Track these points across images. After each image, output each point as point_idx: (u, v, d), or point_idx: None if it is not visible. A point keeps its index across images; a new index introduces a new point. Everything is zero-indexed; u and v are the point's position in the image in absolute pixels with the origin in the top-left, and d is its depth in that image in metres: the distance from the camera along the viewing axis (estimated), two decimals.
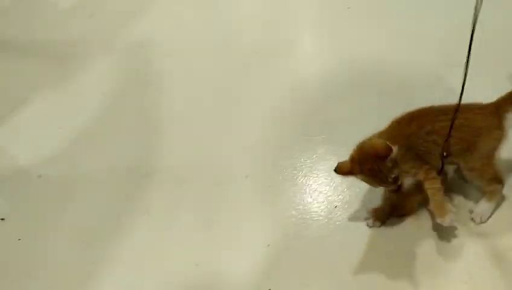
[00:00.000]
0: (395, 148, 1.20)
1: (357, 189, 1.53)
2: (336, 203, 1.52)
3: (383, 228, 1.43)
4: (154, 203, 1.67)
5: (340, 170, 1.27)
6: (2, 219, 1.73)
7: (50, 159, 1.88)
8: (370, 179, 1.28)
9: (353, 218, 1.48)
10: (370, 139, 1.29)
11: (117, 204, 1.71)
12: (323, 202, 1.54)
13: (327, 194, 1.56)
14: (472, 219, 1.39)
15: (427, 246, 1.37)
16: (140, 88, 2.07)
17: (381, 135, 1.31)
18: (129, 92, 2.06)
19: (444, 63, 1.74)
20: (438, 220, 1.28)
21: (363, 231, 1.44)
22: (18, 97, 2.13)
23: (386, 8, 2.08)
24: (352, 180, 1.47)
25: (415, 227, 1.42)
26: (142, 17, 2.37)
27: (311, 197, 1.56)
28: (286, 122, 1.78)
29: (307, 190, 1.58)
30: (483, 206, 1.38)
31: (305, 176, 1.61)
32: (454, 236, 1.37)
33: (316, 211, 1.52)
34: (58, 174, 1.84)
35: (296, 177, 1.61)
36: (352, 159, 1.27)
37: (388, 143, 1.21)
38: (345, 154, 1.30)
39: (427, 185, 1.30)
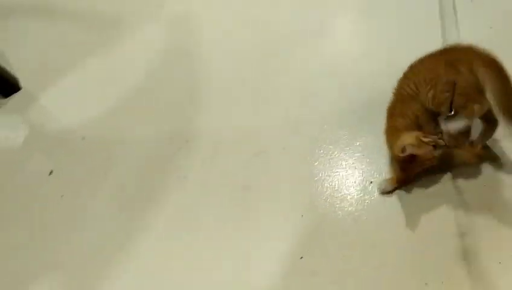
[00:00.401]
0: None
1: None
2: (371, 179, 1.54)
3: (417, 207, 1.45)
4: (192, 170, 1.72)
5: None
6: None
7: (94, 122, 1.95)
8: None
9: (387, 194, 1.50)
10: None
11: (157, 169, 1.76)
12: (358, 177, 1.56)
13: (363, 170, 1.57)
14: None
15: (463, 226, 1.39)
16: (185, 59, 2.09)
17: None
18: (173, 62, 2.09)
19: None
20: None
21: (397, 208, 1.47)
22: (64, 62, 2.19)
23: None
24: (387, 157, 1.54)
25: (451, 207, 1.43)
26: None
27: (346, 171, 1.58)
28: (324, 98, 1.79)
29: (343, 164, 1.60)
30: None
31: (342, 151, 1.62)
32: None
33: (351, 186, 1.55)
34: (101, 137, 1.90)
35: (333, 152, 1.64)
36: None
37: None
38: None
39: None
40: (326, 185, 1.57)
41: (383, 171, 1.55)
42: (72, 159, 1.86)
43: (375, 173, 1.56)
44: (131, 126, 1.92)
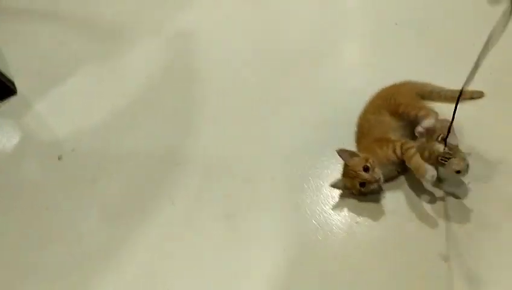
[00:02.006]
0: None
1: (381, 208, 1.52)
2: (357, 219, 1.52)
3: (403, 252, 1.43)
4: (180, 193, 1.70)
5: None
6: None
7: (85, 135, 1.93)
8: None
9: (373, 237, 1.48)
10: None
11: (144, 188, 1.75)
12: (345, 215, 1.54)
13: (350, 209, 1.55)
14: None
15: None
16: (184, 76, 2.09)
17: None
18: (172, 79, 2.09)
19: None
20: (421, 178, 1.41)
21: (380, 251, 1.44)
22: (63, 69, 2.18)
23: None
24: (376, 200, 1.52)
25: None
26: (193, 5, 2.39)
27: (333, 209, 1.56)
28: (318, 131, 1.77)
29: (330, 201, 1.58)
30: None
31: (330, 188, 1.60)
32: None
33: (337, 224, 1.53)
34: (91, 150, 1.89)
35: (321, 187, 1.61)
36: None
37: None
38: None
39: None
40: (311, 220, 1.55)
41: (372, 212, 1.52)
42: (60, 170, 1.84)
43: (363, 213, 1.53)
44: (122, 142, 1.90)
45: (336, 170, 1.61)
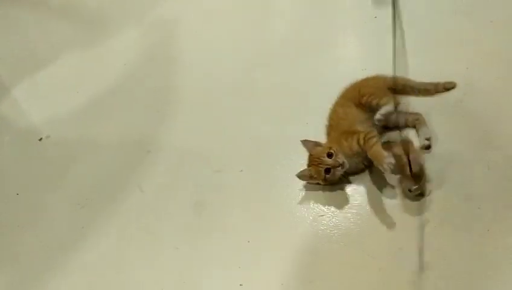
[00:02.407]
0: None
1: (347, 200, 1.53)
2: (322, 211, 1.52)
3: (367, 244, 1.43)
4: (150, 181, 1.71)
5: None
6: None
7: (61, 121, 1.95)
8: None
9: (337, 229, 1.48)
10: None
11: (115, 175, 1.76)
12: (310, 207, 1.54)
13: (315, 201, 1.55)
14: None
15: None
16: (161, 65, 2.10)
17: None
18: (150, 67, 2.10)
19: None
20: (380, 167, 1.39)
21: (344, 243, 1.44)
22: (43, 55, 2.20)
23: None
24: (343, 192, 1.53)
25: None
26: None
27: (299, 202, 1.56)
28: (290, 125, 1.76)
29: (297, 193, 1.57)
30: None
31: (298, 181, 1.57)
32: None
33: (302, 216, 1.52)
34: (66, 136, 1.90)
35: (289, 180, 1.58)
36: None
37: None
38: None
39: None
40: (278, 212, 1.55)
41: (337, 205, 1.52)
42: (34, 156, 1.85)
43: (328, 205, 1.53)
44: (97, 128, 1.92)
45: (305, 164, 1.61)
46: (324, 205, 1.53)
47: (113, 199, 1.69)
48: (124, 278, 1.51)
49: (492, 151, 1.50)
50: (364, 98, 1.56)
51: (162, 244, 1.56)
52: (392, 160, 1.37)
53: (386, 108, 1.49)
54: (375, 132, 1.50)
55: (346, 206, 1.51)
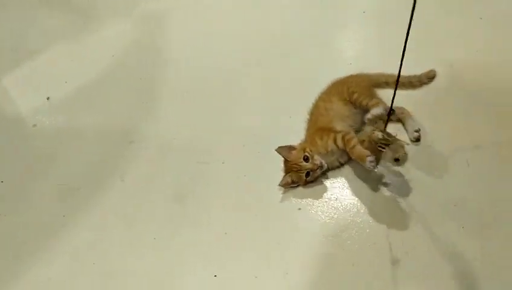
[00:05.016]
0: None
1: (325, 195, 1.53)
2: (300, 205, 1.53)
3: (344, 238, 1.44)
4: (131, 171, 1.72)
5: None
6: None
7: (48, 110, 1.95)
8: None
9: (315, 223, 1.48)
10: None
11: (98, 164, 1.77)
12: (288, 202, 1.54)
13: (294, 195, 1.55)
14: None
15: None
16: (150, 57, 2.09)
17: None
18: (138, 59, 2.09)
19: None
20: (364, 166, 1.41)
21: (322, 237, 1.45)
22: (33, 45, 2.20)
23: None
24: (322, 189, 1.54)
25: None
26: None
27: (278, 194, 1.56)
28: (274, 120, 1.76)
29: (276, 188, 1.57)
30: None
31: (277, 175, 1.57)
32: None
33: (280, 209, 1.53)
34: (52, 126, 1.91)
35: (269, 174, 1.59)
36: None
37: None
38: None
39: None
40: (257, 206, 1.56)
41: (315, 199, 1.53)
42: (19, 145, 1.87)
43: (306, 200, 1.53)
44: (83, 118, 1.92)
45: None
46: (302, 198, 1.54)
47: (95, 188, 1.69)
48: (102, 265, 1.52)
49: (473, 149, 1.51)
50: (355, 96, 1.59)
51: (140, 234, 1.57)
52: (373, 158, 1.39)
53: (377, 111, 1.48)
54: (352, 133, 1.52)
55: (324, 201, 1.52)
